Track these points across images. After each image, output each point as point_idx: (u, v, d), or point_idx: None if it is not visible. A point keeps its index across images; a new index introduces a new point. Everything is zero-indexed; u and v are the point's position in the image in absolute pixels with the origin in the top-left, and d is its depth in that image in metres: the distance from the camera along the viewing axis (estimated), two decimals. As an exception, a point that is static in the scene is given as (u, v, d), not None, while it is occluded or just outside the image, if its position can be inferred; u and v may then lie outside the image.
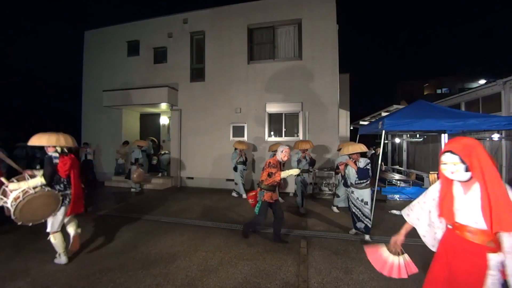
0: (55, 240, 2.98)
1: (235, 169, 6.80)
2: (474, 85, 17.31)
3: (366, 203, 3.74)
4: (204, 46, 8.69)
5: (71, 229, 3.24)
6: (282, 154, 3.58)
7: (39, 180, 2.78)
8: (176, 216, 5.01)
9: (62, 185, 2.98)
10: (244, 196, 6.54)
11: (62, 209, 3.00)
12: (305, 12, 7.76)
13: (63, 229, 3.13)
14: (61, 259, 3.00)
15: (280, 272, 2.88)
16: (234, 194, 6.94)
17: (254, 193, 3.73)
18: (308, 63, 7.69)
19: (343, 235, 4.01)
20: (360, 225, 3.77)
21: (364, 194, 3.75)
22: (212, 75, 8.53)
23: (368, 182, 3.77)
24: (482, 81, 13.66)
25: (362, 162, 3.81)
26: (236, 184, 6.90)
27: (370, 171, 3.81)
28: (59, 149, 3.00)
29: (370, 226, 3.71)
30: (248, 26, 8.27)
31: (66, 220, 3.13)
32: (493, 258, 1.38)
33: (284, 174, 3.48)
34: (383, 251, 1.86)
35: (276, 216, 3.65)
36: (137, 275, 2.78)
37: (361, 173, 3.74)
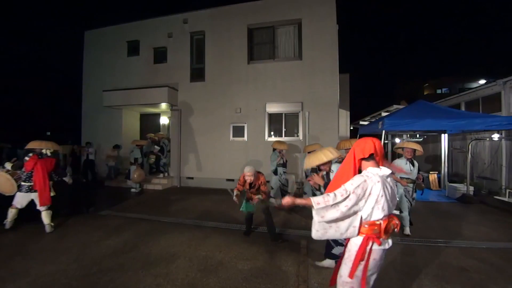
0: (10, 212, 4.04)
1: (275, 172, 6.01)
2: (474, 85, 17.30)
3: None
4: (204, 46, 8.69)
5: (45, 220, 4.04)
6: (246, 177, 3.72)
7: (9, 166, 4.24)
8: (176, 216, 5.00)
9: (24, 177, 4.05)
10: (279, 202, 6.02)
11: (19, 194, 4.04)
12: (305, 12, 7.76)
13: (39, 218, 4.05)
14: (6, 225, 4.01)
15: (280, 272, 2.88)
16: (273, 201, 5.93)
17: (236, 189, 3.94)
18: (308, 63, 7.69)
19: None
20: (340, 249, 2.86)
21: None
22: (212, 75, 8.53)
23: None
24: (482, 81, 13.66)
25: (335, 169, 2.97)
26: (272, 188, 6.14)
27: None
28: (44, 151, 4.14)
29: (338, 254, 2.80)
30: (248, 26, 8.27)
31: (41, 209, 4.05)
32: (353, 239, 1.70)
33: (235, 191, 3.84)
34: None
35: (264, 217, 3.86)
36: (137, 275, 2.77)
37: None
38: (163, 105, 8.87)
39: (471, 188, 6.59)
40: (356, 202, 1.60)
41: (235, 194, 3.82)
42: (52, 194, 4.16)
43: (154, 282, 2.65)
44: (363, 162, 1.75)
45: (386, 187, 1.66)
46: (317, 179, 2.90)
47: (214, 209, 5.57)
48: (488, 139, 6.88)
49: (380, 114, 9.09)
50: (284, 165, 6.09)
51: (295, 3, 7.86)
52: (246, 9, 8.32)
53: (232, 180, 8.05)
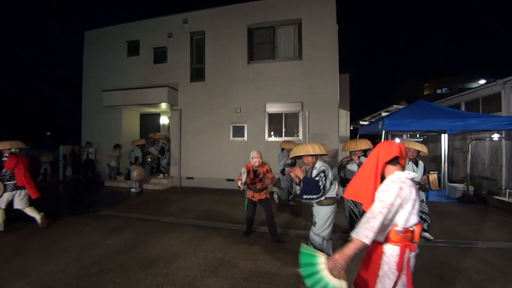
0: None
1: (283, 172, 5.97)
2: (474, 85, 17.30)
3: (314, 224, 2.91)
4: (204, 46, 8.69)
5: (33, 214, 4.26)
6: (253, 161, 3.66)
7: None
8: (176, 216, 5.00)
9: (7, 177, 4.10)
10: (291, 203, 6.05)
11: (5, 194, 4.07)
12: (305, 12, 7.76)
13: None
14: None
15: (280, 272, 2.88)
16: (275, 198, 6.19)
17: (239, 177, 3.79)
18: (308, 63, 7.69)
19: (343, 235, 4.01)
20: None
21: (317, 211, 2.89)
22: (212, 75, 8.53)
23: (319, 197, 2.77)
24: (482, 81, 13.65)
25: (317, 168, 2.87)
26: (281, 188, 6.12)
27: (324, 183, 2.76)
28: (14, 150, 4.20)
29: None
30: (248, 26, 8.27)
31: (22, 208, 4.23)
32: (388, 249, 1.57)
33: (239, 182, 3.70)
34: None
35: (266, 215, 3.80)
36: (137, 275, 2.77)
37: (305, 185, 2.83)
38: (163, 105, 8.86)
39: (471, 188, 6.59)
40: (394, 213, 1.52)
41: (241, 183, 3.69)
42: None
43: (154, 282, 2.65)
44: (388, 166, 1.65)
45: (416, 191, 1.60)
46: (298, 172, 2.88)
47: (214, 209, 5.57)
48: (488, 139, 6.88)
49: (380, 114, 9.08)
50: (292, 165, 5.94)
51: (295, 3, 7.86)
52: (246, 9, 8.32)
53: (232, 180, 8.05)
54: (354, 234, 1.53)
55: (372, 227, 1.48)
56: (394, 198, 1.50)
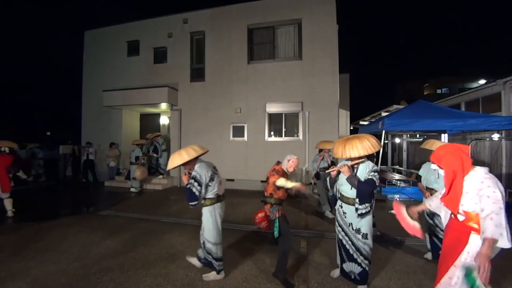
0: None
1: (317, 176, 5.18)
2: (474, 85, 17.30)
3: (365, 236, 2.42)
4: (204, 46, 8.69)
5: (8, 206, 4.86)
6: (288, 164, 2.84)
7: None
8: (176, 216, 5.01)
9: None
10: (328, 213, 5.03)
11: None
12: (305, 12, 7.76)
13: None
14: None
15: (280, 272, 2.88)
16: (321, 210, 5.20)
17: (263, 213, 2.82)
18: (308, 63, 7.69)
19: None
20: (351, 267, 2.48)
21: (362, 223, 2.43)
22: (212, 75, 8.53)
23: (372, 205, 2.41)
24: (482, 81, 13.65)
25: (363, 169, 2.43)
26: (318, 195, 5.36)
27: (375, 188, 2.38)
28: (4, 149, 4.91)
29: (368, 270, 2.47)
30: (248, 26, 8.27)
31: (3, 197, 4.85)
32: (473, 238, 1.68)
33: (281, 181, 2.66)
34: (404, 212, 2.24)
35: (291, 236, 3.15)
36: (137, 275, 2.78)
37: (362, 189, 2.35)
38: (163, 105, 8.86)
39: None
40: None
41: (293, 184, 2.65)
42: (12, 185, 5.02)
43: (154, 282, 2.65)
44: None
45: None
46: (346, 170, 2.42)
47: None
48: (488, 139, 6.88)
49: (380, 114, 9.08)
50: (327, 168, 4.76)
51: (295, 3, 7.86)
52: (246, 9, 8.32)
53: (232, 180, 8.06)
54: (487, 235, 1.55)
55: (500, 223, 1.53)
56: (500, 192, 1.60)
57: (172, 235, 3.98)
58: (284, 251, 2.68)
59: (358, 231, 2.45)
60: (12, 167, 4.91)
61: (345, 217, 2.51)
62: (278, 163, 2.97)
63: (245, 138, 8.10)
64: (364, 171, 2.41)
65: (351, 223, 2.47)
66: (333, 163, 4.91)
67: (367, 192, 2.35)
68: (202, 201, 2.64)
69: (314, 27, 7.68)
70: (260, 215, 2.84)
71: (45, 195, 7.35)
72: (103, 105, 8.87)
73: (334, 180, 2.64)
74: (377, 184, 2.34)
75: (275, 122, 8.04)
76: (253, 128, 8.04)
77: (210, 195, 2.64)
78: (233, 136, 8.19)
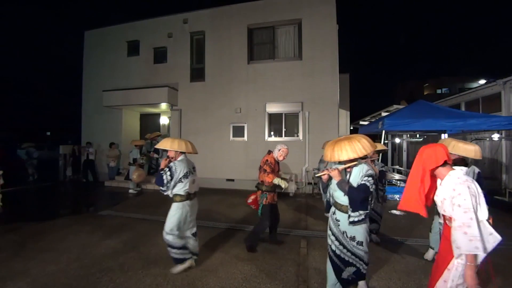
0: None
1: None
2: (474, 85, 17.29)
3: (360, 243, 2.24)
4: (204, 46, 8.69)
5: None
6: (278, 153, 3.36)
7: None
8: (176, 216, 4.99)
9: None
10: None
11: None
12: (305, 12, 7.76)
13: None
14: None
15: (280, 272, 2.88)
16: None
17: (254, 196, 3.47)
18: (308, 63, 7.69)
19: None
20: (349, 271, 2.30)
21: (356, 231, 2.22)
22: (212, 75, 8.53)
23: (367, 213, 2.20)
24: (482, 81, 13.64)
25: (356, 173, 2.21)
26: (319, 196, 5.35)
27: (371, 194, 2.16)
28: None
29: (363, 270, 2.31)
30: (248, 26, 8.27)
31: None
32: None
33: (276, 180, 3.20)
34: None
35: (275, 218, 3.55)
36: (137, 275, 2.78)
37: (353, 196, 2.13)
38: (163, 105, 8.86)
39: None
40: (477, 213, 1.57)
41: (284, 182, 3.23)
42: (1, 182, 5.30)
43: (154, 282, 2.65)
44: (439, 169, 1.69)
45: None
46: (336, 174, 2.20)
47: (214, 209, 5.57)
48: (488, 139, 6.88)
49: (380, 114, 9.09)
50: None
51: (295, 3, 7.86)
52: (246, 9, 8.32)
53: (232, 180, 8.06)
54: (463, 251, 1.53)
55: (473, 236, 1.50)
56: (470, 199, 1.54)
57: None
58: (257, 230, 3.40)
59: (352, 238, 2.25)
60: None
61: (339, 225, 2.29)
62: (269, 152, 3.43)
63: (245, 138, 8.10)
64: (358, 175, 2.18)
65: (345, 231, 2.26)
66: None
67: (358, 198, 2.12)
68: (172, 197, 2.86)
69: (314, 27, 7.68)
70: (253, 197, 3.47)
71: (42, 195, 7.35)
72: (103, 105, 8.86)
73: (326, 185, 2.44)
74: (371, 189, 2.12)
75: (275, 122, 8.04)
76: (253, 128, 8.04)
77: (180, 192, 2.82)
78: (233, 136, 8.19)
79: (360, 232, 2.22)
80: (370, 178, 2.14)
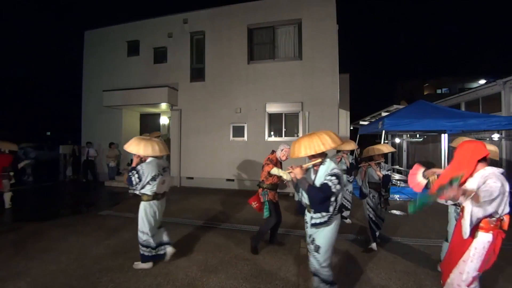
0: None
1: None
2: (474, 85, 17.30)
3: (316, 248, 2.05)
4: (204, 46, 8.69)
5: (6, 199, 5.36)
6: (281, 153, 3.37)
7: None
8: (176, 216, 5.00)
9: None
10: (348, 220, 4.68)
11: None
12: (305, 12, 7.76)
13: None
14: None
15: (280, 272, 2.88)
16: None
17: (255, 195, 3.50)
18: (308, 63, 7.69)
19: (343, 235, 4.01)
20: (315, 279, 2.11)
21: (317, 233, 2.06)
22: (212, 75, 8.53)
23: (331, 215, 2.01)
24: (482, 81, 13.66)
25: (322, 172, 2.06)
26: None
27: (334, 194, 1.96)
28: (4, 150, 5.23)
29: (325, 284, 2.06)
30: (248, 26, 8.27)
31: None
32: (480, 235, 1.78)
33: (274, 170, 3.21)
34: (420, 171, 2.28)
35: (277, 219, 3.51)
36: (137, 275, 2.78)
37: (312, 195, 2.00)
38: (163, 105, 8.86)
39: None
40: (499, 202, 1.70)
41: (286, 176, 3.02)
42: (12, 181, 5.42)
43: (154, 282, 2.65)
44: (479, 164, 1.84)
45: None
46: (297, 172, 2.05)
47: (214, 209, 5.57)
48: (488, 139, 6.88)
49: (380, 114, 9.08)
50: (348, 171, 4.51)
51: (295, 3, 7.86)
52: (246, 9, 8.32)
53: (232, 180, 8.06)
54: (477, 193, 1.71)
55: (491, 194, 1.67)
56: (500, 188, 1.68)
57: (172, 235, 3.96)
58: (263, 230, 3.39)
59: (312, 241, 2.08)
60: (10, 167, 5.23)
61: (306, 227, 2.14)
62: (273, 152, 3.50)
63: (245, 138, 8.09)
64: (323, 174, 2.03)
65: (310, 234, 2.10)
66: (352, 165, 4.54)
67: (317, 198, 1.96)
68: (140, 195, 2.94)
69: (314, 27, 7.67)
70: (253, 197, 3.50)
71: (42, 195, 7.35)
72: (103, 105, 8.86)
73: (296, 184, 2.17)
74: (333, 190, 1.92)
75: (275, 122, 8.03)
76: (253, 128, 8.04)
77: (148, 192, 2.89)
78: (233, 136, 8.19)
79: (320, 236, 2.04)
80: (333, 178, 1.96)
